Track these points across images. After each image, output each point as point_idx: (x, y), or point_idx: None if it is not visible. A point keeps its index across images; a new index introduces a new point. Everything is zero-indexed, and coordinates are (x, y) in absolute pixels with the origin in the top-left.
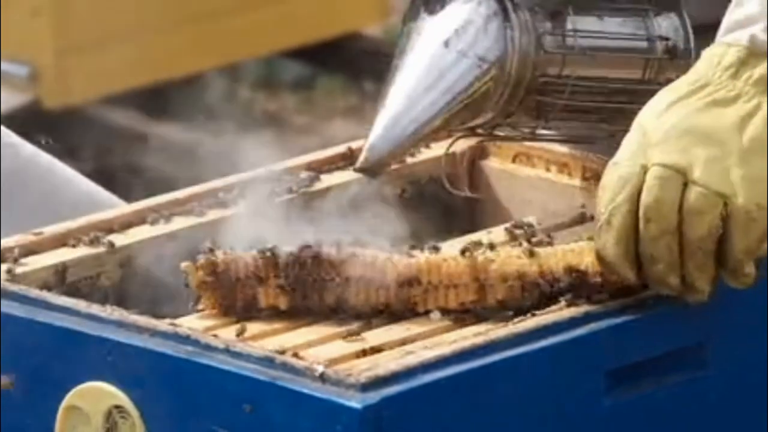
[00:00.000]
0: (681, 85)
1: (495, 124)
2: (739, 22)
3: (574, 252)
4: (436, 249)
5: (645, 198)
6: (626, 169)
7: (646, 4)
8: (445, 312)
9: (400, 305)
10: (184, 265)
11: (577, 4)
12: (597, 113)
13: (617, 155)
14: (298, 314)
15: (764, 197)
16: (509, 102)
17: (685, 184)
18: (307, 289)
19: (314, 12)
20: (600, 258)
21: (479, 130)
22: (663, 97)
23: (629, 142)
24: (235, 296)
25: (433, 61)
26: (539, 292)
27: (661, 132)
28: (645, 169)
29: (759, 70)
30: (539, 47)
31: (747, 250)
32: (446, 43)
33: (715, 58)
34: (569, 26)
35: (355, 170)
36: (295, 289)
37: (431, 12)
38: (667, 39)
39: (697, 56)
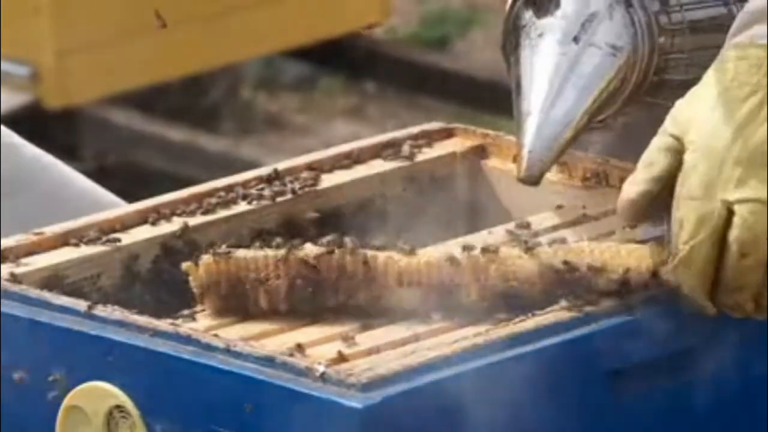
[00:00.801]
0: (729, 95)
1: (622, 113)
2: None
3: (573, 252)
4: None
5: (740, 233)
6: (706, 206)
7: None
8: (446, 312)
9: (400, 305)
10: (185, 265)
11: None
12: None
13: (692, 188)
14: (298, 314)
15: None
16: (641, 86)
17: None
18: (308, 289)
19: (315, 12)
20: (676, 289)
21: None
22: (716, 113)
23: (700, 173)
24: (236, 296)
25: (564, 59)
26: (539, 292)
27: (736, 163)
28: (727, 205)
29: None
30: (658, 26)
31: None
32: (576, 39)
33: (753, 60)
34: (674, 1)
35: (519, 180)
36: (296, 290)
37: (544, 13)
38: None
39: None
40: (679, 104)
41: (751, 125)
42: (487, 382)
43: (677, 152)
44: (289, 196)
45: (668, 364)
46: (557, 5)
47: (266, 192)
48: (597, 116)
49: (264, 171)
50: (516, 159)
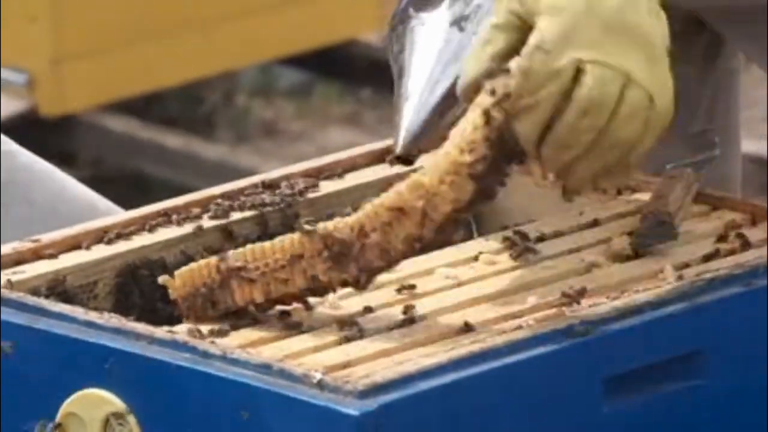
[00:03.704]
0: None
1: None
2: None
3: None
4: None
5: (587, 93)
6: (558, 61)
7: None
8: (445, 318)
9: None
10: (161, 279)
11: None
12: None
13: (544, 38)
14: (287, 317)
15: (671, 93)
16: None
17: (623, 85)
18: (282, 278)
19: (311, 19)
20: (504, 132)
21: None
22: None
23: (554, 30)
24: (215, 304)
25: (447, 46)
26: None
27: (593, 25)
28: (579, 63)
29: None
30: None
31: (646, 152)
32: (461, 28)
33: None
34: None
35: (395, 158)
36: (269, 280)
37: (430, 5)
38: None
39: None
40: None
41: None
42: (484, 390)
43: (520, 30)
44: (285, 203)
45: (665, 371)
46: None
47: (263, 199)
48: None
49: (260, 178)
50: (394, 139)
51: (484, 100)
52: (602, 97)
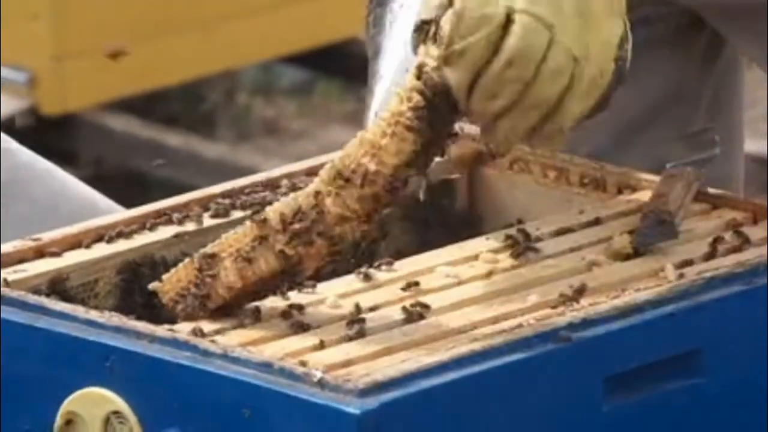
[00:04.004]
0: None
1: None
2: None
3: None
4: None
5: (515, 43)
6: (491, 7)
7: None
8: (447, 318)
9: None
10: (151, 286)
11: None
12: None
13: None
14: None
15: (610, 64)
16: None
17: (550, 40)
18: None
19: (312, 18)
20: (434, 84)
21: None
22: None
23: None
24: (206, 299)
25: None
26: None
27: None
28: (510, 12)
29: None
30: None
31: (580, 115)
32: (439, 8)
33: None
34: None
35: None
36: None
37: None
38: None
39: None
40: None
41: None
42: (485, 388)
43: None
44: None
45: (666, 369)
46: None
47: (264, 198)
48: None
49: (261, 177)
50: (364, 119)
51: (424, 50)
52: (528, 48)
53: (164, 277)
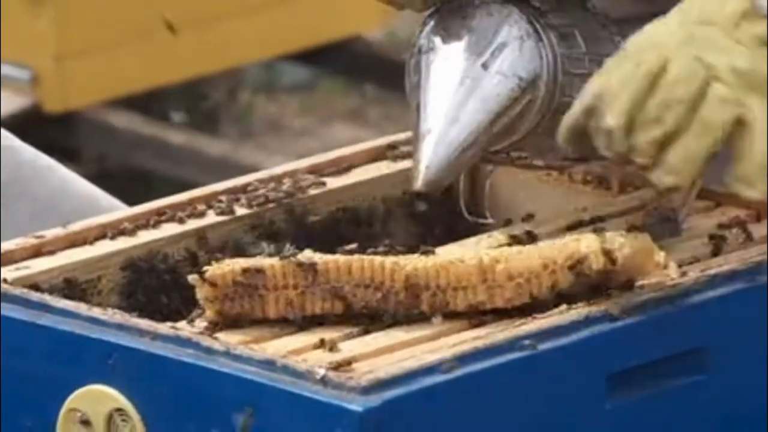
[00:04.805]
0: (688, 10)
1: (518, 146)
2: None
3: (577, 242)
4: (432, 252)
5: (674, 72)
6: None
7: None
8: (450, 315)
9: (406, 309)
10: (191, 278)
11: (582, 27)
12: None
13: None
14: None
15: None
16: (539, 123)
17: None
18: (315, 296)
19: (315, 16)
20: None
21: (503, 154)
22: (671, 14)
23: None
24: (244, 306)
25: (468, 82)
26: (546, 288)
27: (676, 37)
28: (666, 61)
29: (758, 28)
30: (562, 67)
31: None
32: (484, 65)
33: (720, 4)
34: (582, 48)
35: (414, 192)
36: (303, 297)
37: (453, 38)
38: None
39: None
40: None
41: (695, 25)
42: (487, 386)
43: None
44: (289, 199)
45: (669, 367)
46: (468, 31)
47: (266, 195)
48: (497, 142)
49: (264, 174)
50: (412, 173)
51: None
52: (688, 75)
53: (207, 273)
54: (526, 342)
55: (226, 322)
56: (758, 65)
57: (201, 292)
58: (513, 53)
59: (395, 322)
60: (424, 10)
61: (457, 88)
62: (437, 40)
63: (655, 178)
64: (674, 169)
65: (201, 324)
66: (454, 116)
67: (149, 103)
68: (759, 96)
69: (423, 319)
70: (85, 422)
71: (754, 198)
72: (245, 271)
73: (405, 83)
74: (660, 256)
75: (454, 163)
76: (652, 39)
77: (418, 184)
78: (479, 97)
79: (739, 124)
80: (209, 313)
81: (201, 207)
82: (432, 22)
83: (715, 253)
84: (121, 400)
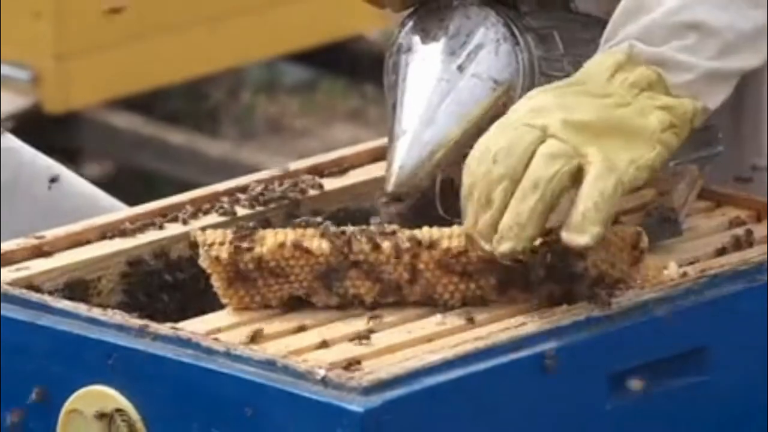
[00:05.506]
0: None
1: None
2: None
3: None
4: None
5: (499, 157)
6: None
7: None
8: (447, 309)
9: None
10: (205, 263)
11: (562, 29)
12: None
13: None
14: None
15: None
16: None
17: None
18: (341, 278)
19: (315, 16)
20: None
21: None
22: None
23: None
24: (259, 291)
25: (444, 85)
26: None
27: (526, 106)
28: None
29: (632, 76)
30: (539, 69)
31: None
32: (460, 67)
33: (598, 63)
34: (560, 50)
35: (387, 195)
36: (326, 282)
37: (431, 39)
38: None
39: None
40: None
41: (560, 88)
42: (488, 386)
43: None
44: (290, 199)
45: (670, 367)
46: (445, 33)
47: (267, 195)
48: (471, 144)
49: (264, 174)
50: (386, 174)
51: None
52: (516, 143)
53: (223, 256)
54: (527, 342)
55: (243, 305)
56: (609, 114)
57: (217, 276)
58: (489, 56)
59: (395, 323)
60: (402, 10)
61: (433, 90)
62: (415, 40)
63: (493, 250)
64: (507, 235)
65: (201, 317)
66: (429, 117)
67: (150, 103)
68: (601, 144)
69: (424, 318)
70: (102, 415)
71: (583, 245)
72: (260, 256)
73: (383, 82)
74: (645, 241)
75: (428, 164)
76: (531, 105)
77: (391, 185)
78: (454, 100)
79: (579, 173)
80: (225, 297)
81: (202, 207)
82: (410, 23)
83: (716, 253)
84: (121, 400)
